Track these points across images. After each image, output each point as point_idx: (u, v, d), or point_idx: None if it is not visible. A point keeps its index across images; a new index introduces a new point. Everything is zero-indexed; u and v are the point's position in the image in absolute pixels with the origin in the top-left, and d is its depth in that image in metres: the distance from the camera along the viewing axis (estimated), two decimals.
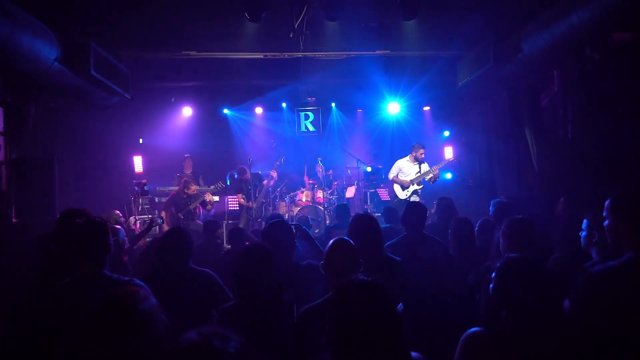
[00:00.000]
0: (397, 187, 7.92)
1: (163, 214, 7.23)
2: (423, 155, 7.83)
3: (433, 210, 5.47)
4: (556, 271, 2.87)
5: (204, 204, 7.62)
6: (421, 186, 7.80)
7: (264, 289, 2.38)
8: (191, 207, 7.41)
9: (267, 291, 2.39)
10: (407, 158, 7.96)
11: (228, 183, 9.24)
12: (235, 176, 9.01)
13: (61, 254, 2.85)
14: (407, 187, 7.76)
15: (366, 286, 1.55)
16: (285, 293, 2.47)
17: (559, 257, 3.03)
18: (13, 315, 2.86)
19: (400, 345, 1.49)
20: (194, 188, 7.52)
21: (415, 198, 7.67)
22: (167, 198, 7.93)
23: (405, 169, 7.89)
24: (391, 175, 8.01)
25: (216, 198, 8.58)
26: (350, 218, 3.30)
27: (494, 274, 1.76)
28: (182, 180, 7.70)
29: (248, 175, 8.38)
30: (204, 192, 7.70)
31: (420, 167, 7.76)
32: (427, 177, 7.75)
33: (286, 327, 2.31)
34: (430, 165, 7.86)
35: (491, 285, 1.74)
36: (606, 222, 2.17)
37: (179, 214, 7.46)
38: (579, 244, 2.75)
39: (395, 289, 1.63)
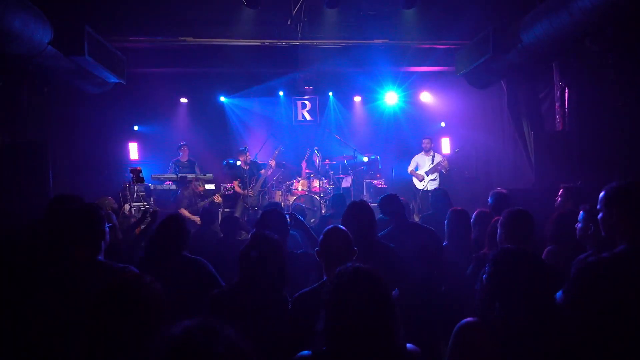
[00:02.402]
0: (414, 180, 8.56)
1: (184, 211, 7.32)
2: (429, 145, 8.55)
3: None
4: (551, 263, 2.87)
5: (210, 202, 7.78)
6: (435, 174, 8.33)
7: (265, 277, 2.35)
8: (200, 205, 7.51)
9: (267, 279, 2.35)
10: (422, 152, 8.64)
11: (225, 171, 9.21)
12: (231, 162, 8.97)
13: (53, 239, 2.82)
14: (422, 180, 8.40)
15: (361, 273, 1.54)
16: (285, 287, 2.41)
17: (554, 249, 3.04)
18: (5, 301, 2.84)
19: (394, 333, 1.49)
20: (200, 189, 7.76)
21: (433, 184, 8.22)
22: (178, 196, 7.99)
23: (421, 162, 8.56)
24: (409, 169, 8.67)
25: (213, 185, 8.55)
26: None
27: (487, 264, 1.76)
28: (192, 180, 7.83)
29: (244, 158, 8.38)
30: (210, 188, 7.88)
31: (433, 159, 8.39)
32: (441, 168, 8.30)
33: (281, 317, 2.29)
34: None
35: (484, 275, 1.74)
36: (600, 215, 2.16)
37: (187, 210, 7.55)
38: (574, 236, 2.76)
39: (389, 276, 1.62)
